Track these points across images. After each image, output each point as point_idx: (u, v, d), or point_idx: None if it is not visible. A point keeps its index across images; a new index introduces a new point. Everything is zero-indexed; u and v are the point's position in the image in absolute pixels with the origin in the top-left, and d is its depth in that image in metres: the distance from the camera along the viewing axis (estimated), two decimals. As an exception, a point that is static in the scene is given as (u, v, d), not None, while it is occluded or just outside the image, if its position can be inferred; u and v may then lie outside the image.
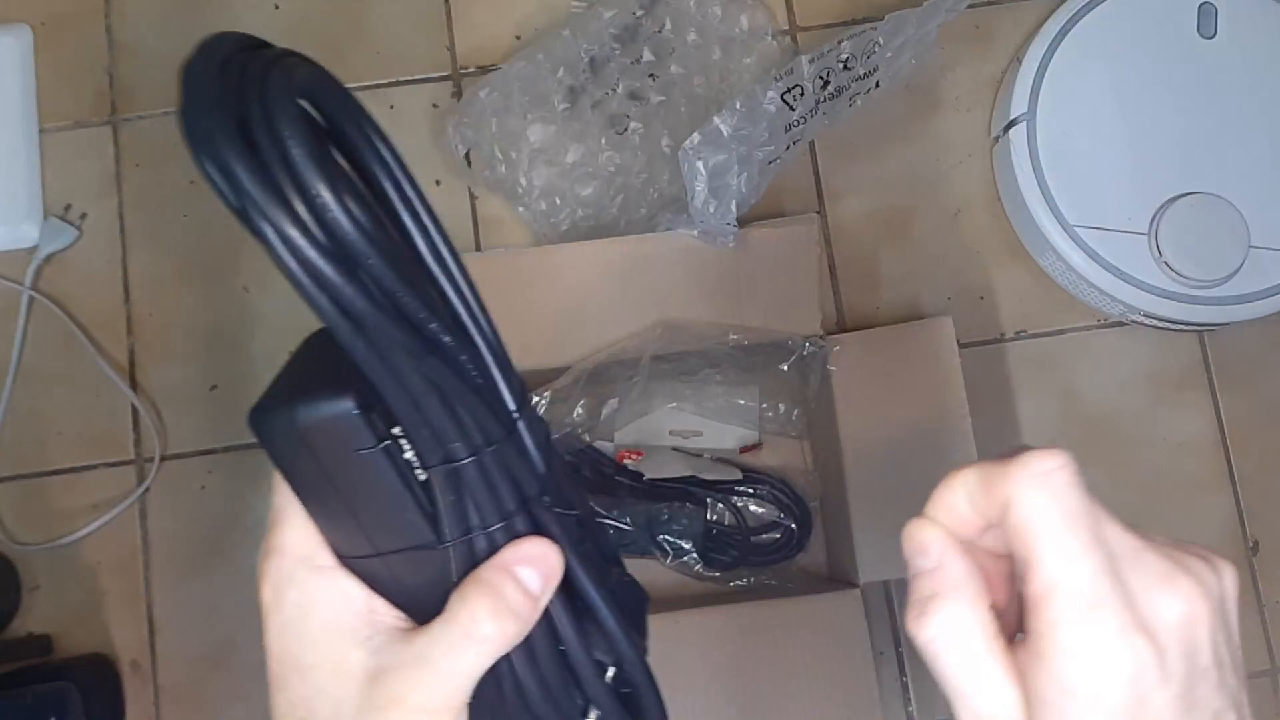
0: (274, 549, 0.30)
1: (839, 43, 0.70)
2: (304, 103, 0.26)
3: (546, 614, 0.30)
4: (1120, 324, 0.81)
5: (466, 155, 0.80)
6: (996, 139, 0.81)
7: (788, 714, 0.67)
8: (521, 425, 0.29)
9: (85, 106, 0.83)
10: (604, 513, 0.73)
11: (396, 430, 0.28)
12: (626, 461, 0.75)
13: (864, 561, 0.68)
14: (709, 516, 0.75)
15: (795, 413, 0.76)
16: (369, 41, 0.84)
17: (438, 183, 0.82)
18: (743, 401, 0.75)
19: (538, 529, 0.29)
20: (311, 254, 0.25)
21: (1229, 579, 0.29)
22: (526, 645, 0.29)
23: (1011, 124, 0.78)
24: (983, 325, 0.81)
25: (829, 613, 0.67)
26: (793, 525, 0.75)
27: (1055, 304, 0.81)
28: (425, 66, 0.84)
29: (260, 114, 0.24)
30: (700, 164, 0.67)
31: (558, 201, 0.79)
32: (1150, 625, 0.27)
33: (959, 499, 0.30)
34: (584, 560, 0.30)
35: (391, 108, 0.83)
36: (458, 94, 0.83)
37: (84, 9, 0.84)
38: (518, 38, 0.84)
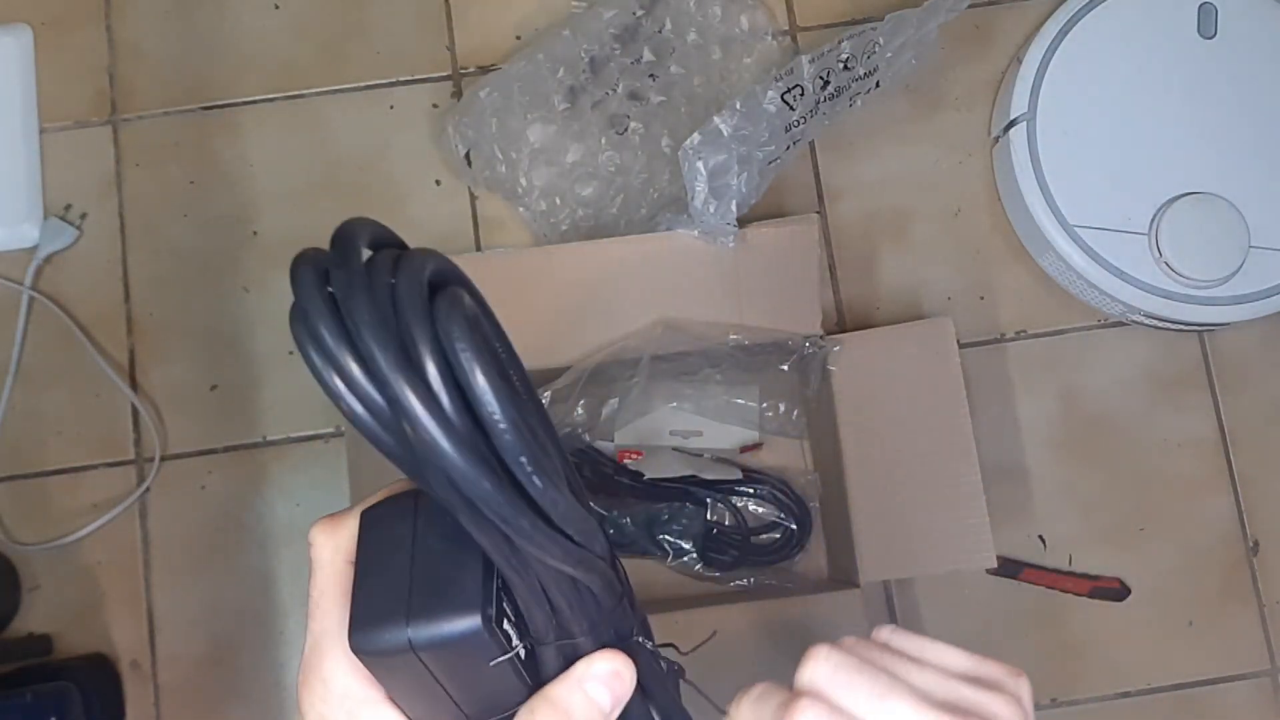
0: (320, 679, 0.29)
1: (839, 43, 0.70)
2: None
3: None
4: (1120, 324, 0.81)
5: (466, 155, 0.80)
6: (996, 139, 0.81)
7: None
8: (627, 595, 0.30)
9: (85, 106, 0.83)
10: (604, 513, 0.73)
11: (508, 624, 0.28)
12: (626, 461, 0.75)
13: (864, 561, 0.68)
14: (709, 516, 0.75)
15: (795, 413, 0.76)
16: (369, 41, 0.84)
17: (438, 183, 0.82)
18: (743, 401, 0.75)
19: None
20: (486, 484, 0.24)
21: (1021, 694, 0.31)
22: None
23: (1011, 124, 0.78)
24: (983, 325, 0.81)
25: (829, 613, 0.67)
26: (793, 525, 0.75)
27: (1055, 304, 0.81)
28: (425, 66, 0.84)
29: (441, 361, 0.24)
30: (700, 164, 0.67)
31: (558, 201, 0.79)
32: None
33: None
34: (654, 680, 0.31)
35: (391, 108, 0.83)
36: (458, 94, 0.83)
37: (84, 9, 0.84)
38: (518, 38, 0.84)
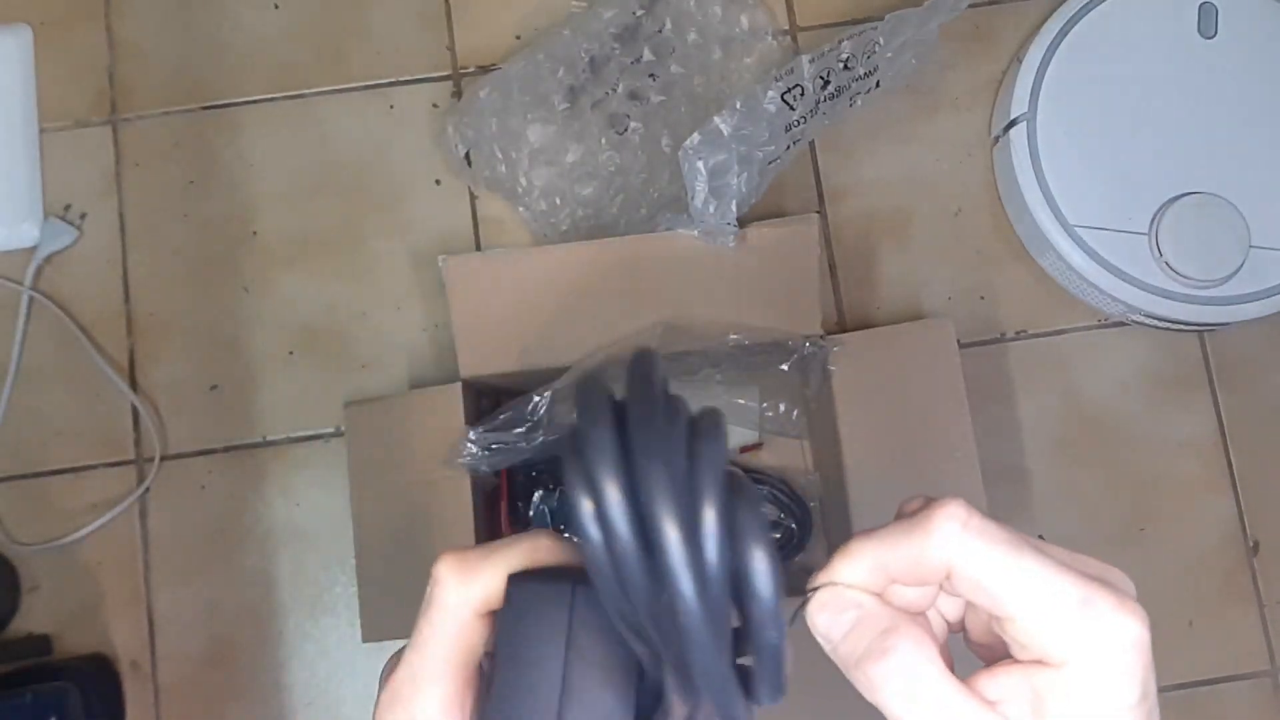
0: (407, 713, 0.28)
1: (839, 43, 0.70)
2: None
3: None
4: (1120, 324, 0.81)
5: (466, 155, 0.80)
6: (996, 139, 0.81)
7: (788, 714, 0.67)
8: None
9: (85, 106, 0.83)
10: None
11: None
12: (626, 461, 0.75)
13: (864, 561, 0.68)
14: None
15: (795, 412, 0.76)
16: (369, 41, 0.84)
17: (438, 182, 0.82)
18: (743, 401, 0.75)
19: None
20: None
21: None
22: None
23: (1011, 124, 0.78)
24: (983, 325, 0.81)
25: (829, 613, 0.67)
26: (793, 525, 0.75)
27: (1055, 304, 0.81)
28: (425, 66, 0.84)
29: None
30: (700, 164, 0.67)
31: (558, 201, 0.79)
32: (1130, 599, 0.28)
33: (860, 571, 0.29)
34: None
35: (391, 108, 0.83)
36: (458, 94, 0.83)
37: (84, 9, 0.84)
38: (518, 38, 0.84)
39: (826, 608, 0.29)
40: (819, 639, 0.29)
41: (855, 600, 0.29)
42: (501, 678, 0.27)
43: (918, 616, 0.29)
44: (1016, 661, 0.27)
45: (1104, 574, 0.29)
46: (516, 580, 0.28)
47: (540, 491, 0.73)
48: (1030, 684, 0.27)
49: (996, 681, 0.27)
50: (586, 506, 0.23)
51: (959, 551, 0.27)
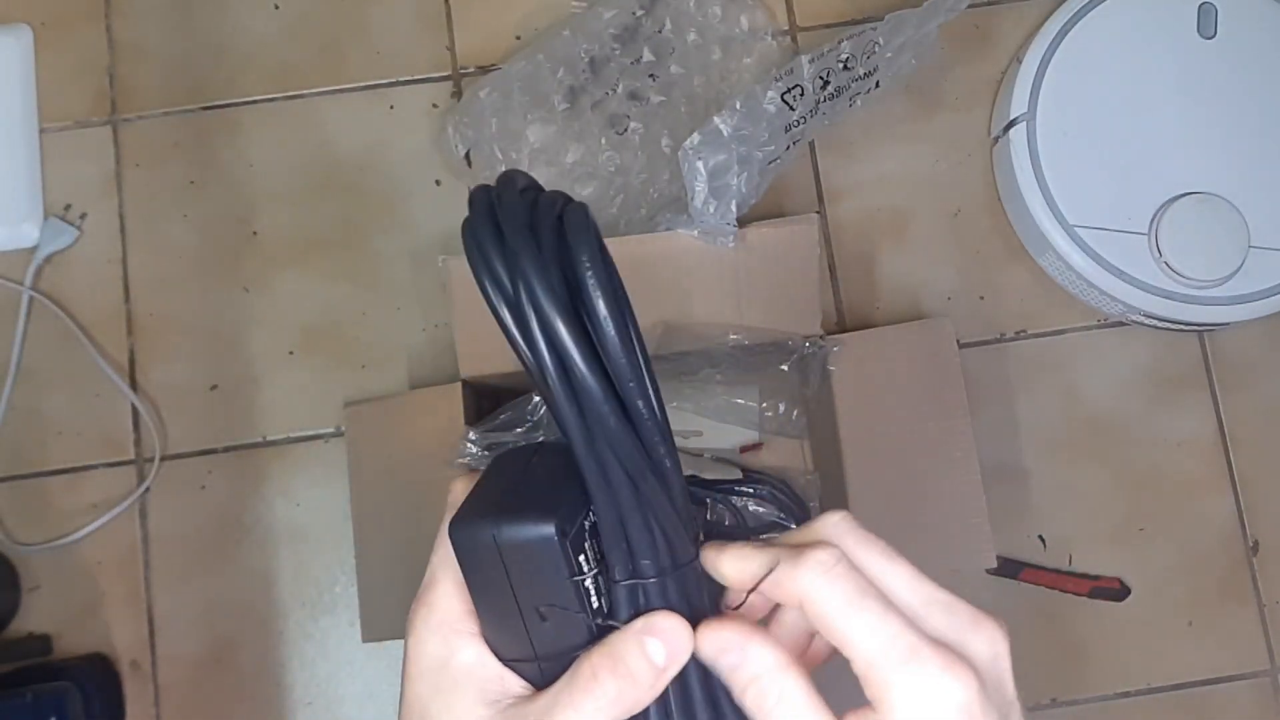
0: (427, 604, 0.32)
1: (839, 43, 0.70)
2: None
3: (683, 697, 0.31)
4: (1120, 324, 0.81)
5: (466, 155, 0.80)
6: (996, 139, 0.81)
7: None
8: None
9: (85, 106, 0.83)
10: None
11: (585, 557, 0.30)
12: (626, 461, 0.75)
13: (864, 561, 0.68)
14: (709, 516, 0.75)
15: (795, 412, 0.76)
16: (369, 41, 0.84)
17: (438, 183, 0.82)
18: (742, 401, 0.75)
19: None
20: (584, 367, 0.28)
21: (1004, 631, 0.31)
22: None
23: (1011, 124, 0.78)
24: (983, 325, 0.81)
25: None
26: (792, 525, 0.75)
27: (1055, 304, 0.81)
28: (425, 66, 0.84)
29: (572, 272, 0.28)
30: (700, 164, 0.67)
31: (558, 201, 0.79)
32: (969, 660, 0.29)
33: (742, 575, 0.32)
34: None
35: (391, 108, 0.83)
36: (458, 94, 0.83)
37: (84, 9, 0.84)
38: (518, 38, 0.84)
39: (718, 633, 0.31)
40: (707, 660, 0.32)
41: (737, 640, 0.31)
42: (468, 497, 0.32)
43: (799, 649, 0.33)
44: (869, 707, 0.30)
45: (958, 631, 0.30)
46: (499, 453, 0.34)
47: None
48: None
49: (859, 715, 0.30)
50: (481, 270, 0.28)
51: (811, 589, 0.30)
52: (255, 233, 0.82)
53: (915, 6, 0.71)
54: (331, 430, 0.79)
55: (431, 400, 0.71)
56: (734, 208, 0.69)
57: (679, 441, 0.76)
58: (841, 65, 0.71)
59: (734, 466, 0.76)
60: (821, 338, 0.70)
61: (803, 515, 0.76)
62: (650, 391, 0.29)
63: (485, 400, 0.77)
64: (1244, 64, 0.77)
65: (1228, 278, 0.73)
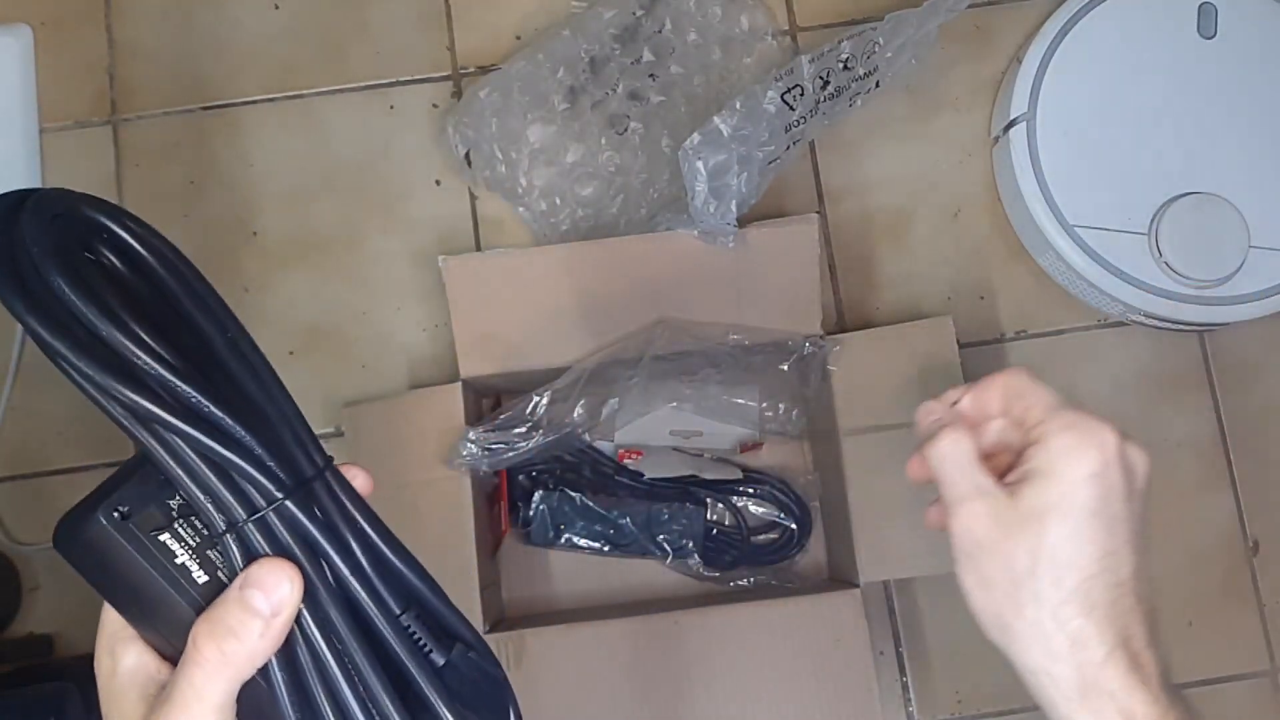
0: (100, 624, 0.36)
1: (839, 43, 0.70)
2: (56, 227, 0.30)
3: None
4: (1120, 324, 0.81)
5: (466, 155, 0.80)
6: (996, 139, 0.81)
7: (788, 714, 0.67)
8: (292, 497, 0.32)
9: (85, 106, 0.83)
10: (603, 511, 0.73)
11: (170, 536, 0.32)
12: (626, 461, 0.75)
13: (864, 561, 0.68)
14: (709, 516, 0.75)
15: (795, 413, 0.76)
16: (369, 41, 0.84)
17: (438, 183, 0.82)
18: (742, 401, 0.75)
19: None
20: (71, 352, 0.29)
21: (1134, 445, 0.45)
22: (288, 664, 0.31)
23: (1011, 124, 0.78)
24: (983, 325, 0.81)
25: (829, 613, 0.67)
26: (793, 525, 0.75)
27: (1055, 304, 0.81)
28: (425, 66, 0.84)
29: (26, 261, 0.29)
30: (700, 164, 0.67)
31: (558, 201, 0.79)
32: (1104, 444, 0.43)
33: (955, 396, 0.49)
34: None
35: (391, 108, 0.83)
36: (458, 94, 0.83)
37: (84, 9, 0.84)
38: (518, 38, 0.84)
39: (926, 407, 0.49)
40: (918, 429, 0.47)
41: (933, 408, 0.48)
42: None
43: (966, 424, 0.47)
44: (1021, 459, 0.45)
45: (1099, 423, 0.45)
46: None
47: (540, 491, 0.73)
48: (1025, 460, 0.44)
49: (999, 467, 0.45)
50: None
51: (1017, 376, 0.49)
52: (255, 233, 0.82)
53: (915, 6, 0.71)
54: (331, 430, 0.79)
55: (431, 400, 0.71)
56: (734, 208, 0.69)
57: (679, 441, 0.76)
58: (841, 65, 0.71)
59: (734, 466, 0.76)
60: (821, 338, 0.70)
61: (803, 515, 0.76)
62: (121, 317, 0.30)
63: (485, 400, 0.77)
64: (1244, 64, 0.77)
65: (1228, 278, 0.73)
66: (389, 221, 0.82)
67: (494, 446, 0.67)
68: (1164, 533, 0.79)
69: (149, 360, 0.30)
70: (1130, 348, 0.81)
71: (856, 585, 0.68)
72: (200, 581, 0.32)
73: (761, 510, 0.76)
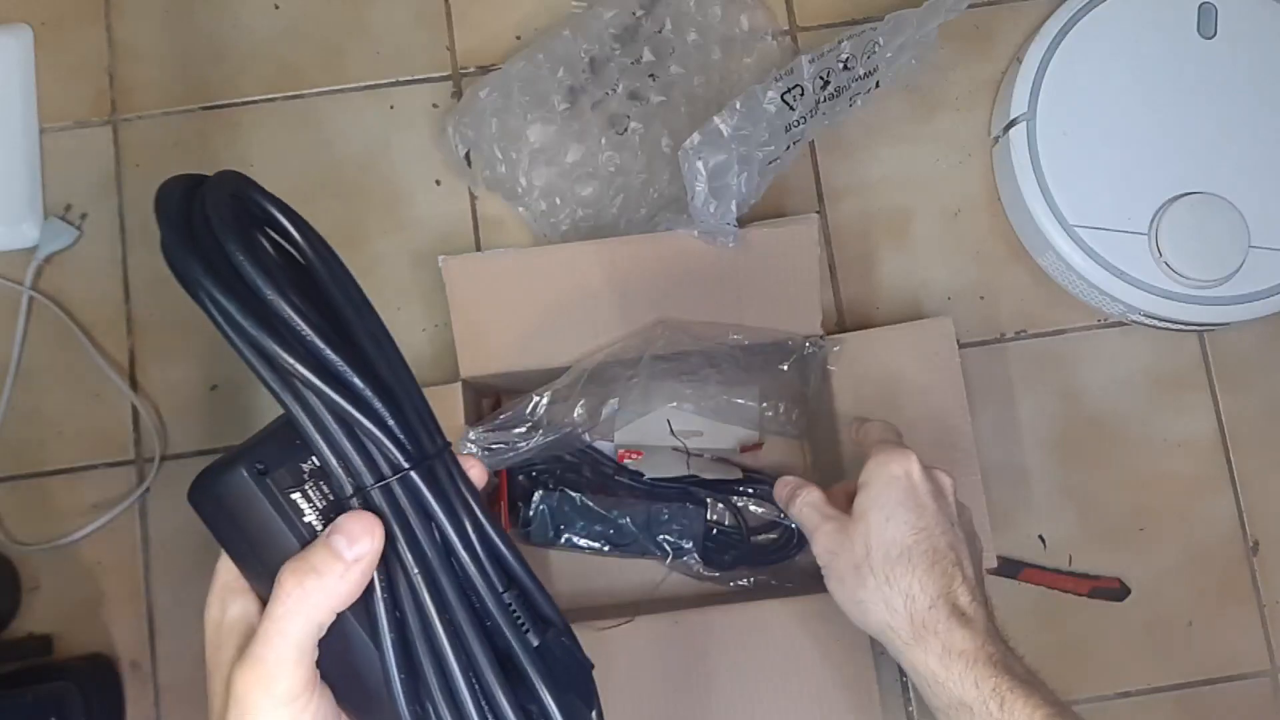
0: (215, 575, 0.38)
1: (839, 43, 0.70)
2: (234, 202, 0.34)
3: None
4: (1120, 324, 0.81)
5: (466, 155, 0.80)
6: (996, 139, 0.81)
7: (788, 714, 0.67)
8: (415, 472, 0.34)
9: (85, 106, 0.83)
10: (603, 511, 0.73)
11: (301, 495, 0.34)
12: (626, 461, 0.75)
13: (864, 561, 0.68)
14: (709, 516, 0.75)
15: (795, 413, 0.76)
16: (369, 41, 0.84)
17: (438, 183, 0.82)
18: (742, 401, 0.75)
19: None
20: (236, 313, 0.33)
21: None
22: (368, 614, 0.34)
23: (1011, 124, 0.78)
24: (983, 325, 0.81)
25: (829, 613, 0.67)
26: (793, 525, 0.75)
27: (1055, 304, 0.81)
28: (425, 66, 0.84)
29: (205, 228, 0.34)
30: (700, 164, 0.67)
31: (558, 201, 0.79)
32: (905, 458, 0.56)
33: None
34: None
35: (391, 108, 0.83)
36: (458, 94, 0.83)
37: (84, 9, 0.84)
38: (518, 38, 0.84)
39: (780, 482, 0.63)
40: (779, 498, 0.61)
41: (789, 480, 0.62)
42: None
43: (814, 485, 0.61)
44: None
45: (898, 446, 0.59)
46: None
47: (540, 491, 0.73)
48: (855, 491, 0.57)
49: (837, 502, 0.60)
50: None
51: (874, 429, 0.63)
52: (255, 233, 0.81)
53: (915, 6, 0.71)
54: (331, 430, 0.79)
55: (431, 400, 0.70)
56: (734, 208, 0.69)
57: (679, 441, 0.76)
58: (841, 65, 0.71)
59: (734, 466, 0.76)
60: (821, 338, 0.70)
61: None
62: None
63: (485, 400, 0.77)
64: (1244, 64, 0.77)
65: (1228, 278, 0.73)
66: (389, 221, 0.82)
67: (494, 446, 0.67)
68: (1164, 533, 0.79)
69: (303, 326, 0.32)
70: (1130, 348, 0.81)
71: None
72: (304, 527, 0.34)
73: (761, 510, 0.76)
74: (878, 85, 0.75)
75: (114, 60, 0.84)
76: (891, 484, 0.55)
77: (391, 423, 0.33)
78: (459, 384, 0.70)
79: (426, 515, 0.34)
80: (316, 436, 0.33)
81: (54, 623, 0.76)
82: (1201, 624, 0.78)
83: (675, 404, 0.76)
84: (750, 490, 0.76)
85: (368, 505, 0.33)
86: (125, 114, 0.83)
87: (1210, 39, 0.77)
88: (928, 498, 0.55)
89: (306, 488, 0.34)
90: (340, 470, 0.33)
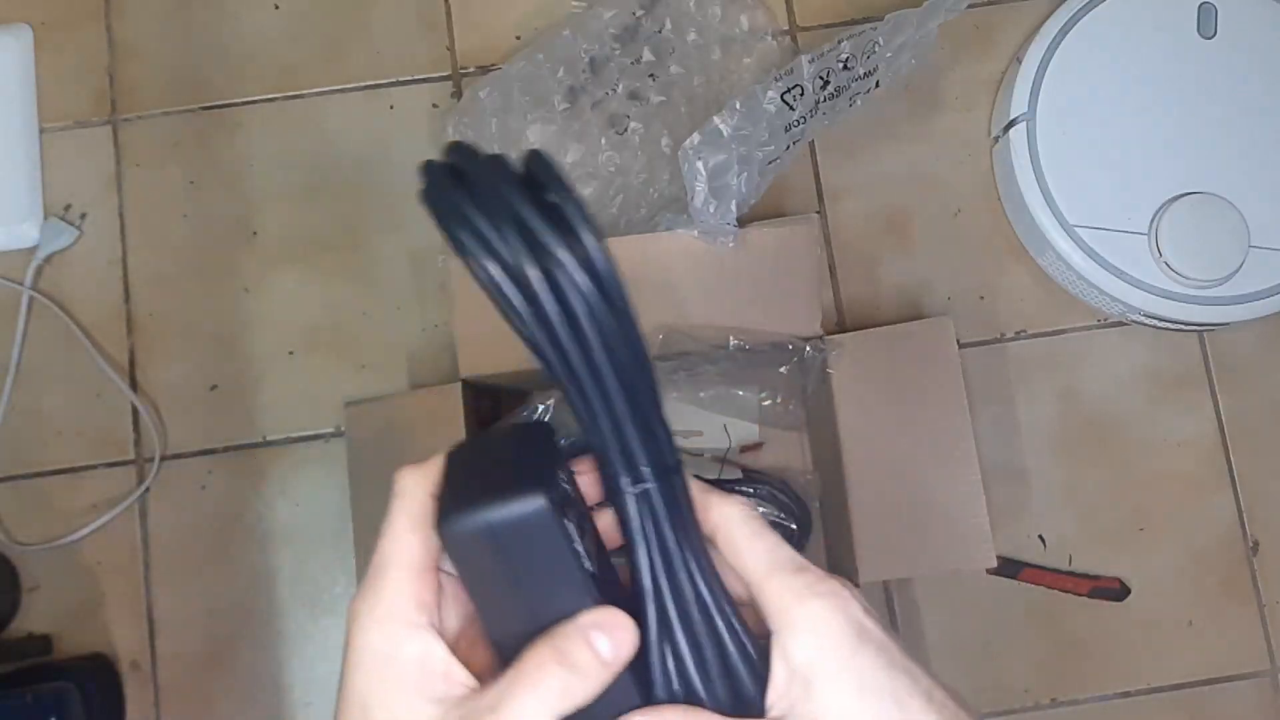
0: (374, 593, 0.31)
1: (839, 43, 0.70)
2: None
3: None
4: (1120, 324, 0.81)
5: (466, 155, 0.80)
6: (996, 139, 0.81)
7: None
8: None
9: (85, 106, 0.83)
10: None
11: (568, 522, 0.31)
12: (626, 461, 0.75)
13: (864, 561, 0.68)
14: (709, 516, 0.75)
15: (793, 403, 0.76)
16: (369, 41, 0.84)
17: (438, 183, 0.82)
18: (741, 392, 0.75)
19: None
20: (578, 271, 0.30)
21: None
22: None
23: (1011, 124, 0.78)
24: (983, 325, 0.81)
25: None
26: (793, 525, 0.75)
27: (1055, 304, 0.81)
28: (425, 66, 0.84)
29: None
30: (700, 164, 0.67)
31: (558, 201, 0.79)
32: (849, 614, 0.33)
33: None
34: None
35: (391, 108, 0.83)
36: (458, 94, 0.83)
37: (84, 9, 0.84)
38: (518, 38, 0.84)
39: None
40: None
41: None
42: (444, 492, 0.32)
43: None
44: (774, 658, 0.32)
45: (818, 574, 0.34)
46: (452, 448, 0.33)
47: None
48: (783, 662, 0.32)
49: (776, 683, 0.32)
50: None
51: (733, 514, 0.34)
52: (255, 233, 0.82)
53: (915, 6, 0.71)
54: (331, 430, 0.79)
55: (431, 400, 0.71)
56: (734, 208, 0.69)
57: (679, 441, 0.76)
58: (841, 65, 0.71)
59: (734, 466, 0.76)
60: (821, 338, 0.70)
61: (803, 515, 0.76)
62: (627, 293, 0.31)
63: (485, 400, 0.77)
64: (1244, 64, 0.77)
65: (1228, 278, 0.73)
66: (389, 221, 0.82)
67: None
68: (1164, 533, 0.79)
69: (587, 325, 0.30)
70: (1130, 348, 0.81)
71: (856, 585, 0.68)
72: (587, 569, 0.31)
73: (762, 510, 0.76)
74: (878, 85, 0.75)
75: (114, 60, 0.84)
76: (843, 638, 0.32)
77: (655, 427, 0.32)
78: (459, 384, 0.70)
79: (680, 524, 0.32)
80: (625, 427, 0.31)
81: (54, 623, 0.76)
82: (1201, 624, 0.78)
83: (674, 395, 0.76)
84: (750, 490, 0.76)
85: (622, 510, 0.32)
86: (125, 114, 0.83)
87: (1210, 39, 0.77)
88: (895, 649, 0.33)
89: (569, 515, 0.31)
90: (621, 465, 0.31)
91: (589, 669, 0.30)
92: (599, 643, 0.30)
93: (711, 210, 0.68)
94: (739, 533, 0.34)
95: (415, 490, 0.32)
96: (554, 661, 0.30)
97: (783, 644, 0.32)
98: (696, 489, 0.34)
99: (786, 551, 0.34)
